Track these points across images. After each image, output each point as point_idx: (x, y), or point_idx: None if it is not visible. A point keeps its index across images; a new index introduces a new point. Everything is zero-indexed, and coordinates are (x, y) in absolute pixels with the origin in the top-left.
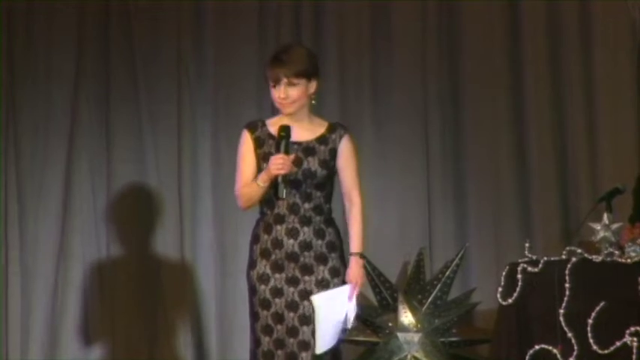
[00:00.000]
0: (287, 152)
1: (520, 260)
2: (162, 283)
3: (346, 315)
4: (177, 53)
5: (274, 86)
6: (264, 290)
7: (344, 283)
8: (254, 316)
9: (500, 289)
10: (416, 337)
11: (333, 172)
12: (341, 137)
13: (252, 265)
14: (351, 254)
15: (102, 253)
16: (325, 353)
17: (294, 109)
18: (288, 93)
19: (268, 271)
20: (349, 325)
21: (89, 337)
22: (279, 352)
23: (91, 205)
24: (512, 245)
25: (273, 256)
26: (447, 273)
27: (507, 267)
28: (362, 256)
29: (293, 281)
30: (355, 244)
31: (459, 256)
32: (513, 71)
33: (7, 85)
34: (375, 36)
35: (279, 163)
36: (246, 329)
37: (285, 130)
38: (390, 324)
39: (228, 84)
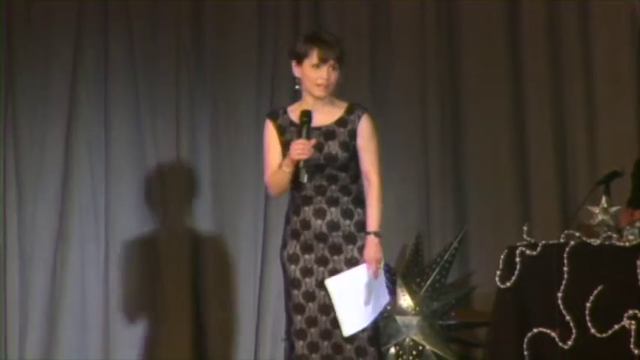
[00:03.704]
0: (308, 137)
1: (518, 244)
2: (160, 264)
3: (376, 294)
4: (177, 38)
5: (317, 66)
6: (294, 270)
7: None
8: (287, 296)
9: (498, 273)
10: (414, 321)
11: (355, 152)
12: (359, 117)
13: (283, 245)
14: (366, 233)
15: (100, 237)
16: (364, 330)
17: (328, 92)
18: (330, 76)
19: (298, 251)
20: (383, 305)
21: (88, 321)
22: (312, 329)
23: (90, 189)
24: (510, 228)
25: (302, 237)
26: (446, 256)
27: (506, 250)
28: (378, 234)
29: (323, 261)
30: (371, 223)
31: (458, 239)
32: (513, 57)
33: (5, 69)
34: (374, 24)
35: (300, 149)
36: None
37: (307, 115)
38: (388, 307)
39: (226, 67)
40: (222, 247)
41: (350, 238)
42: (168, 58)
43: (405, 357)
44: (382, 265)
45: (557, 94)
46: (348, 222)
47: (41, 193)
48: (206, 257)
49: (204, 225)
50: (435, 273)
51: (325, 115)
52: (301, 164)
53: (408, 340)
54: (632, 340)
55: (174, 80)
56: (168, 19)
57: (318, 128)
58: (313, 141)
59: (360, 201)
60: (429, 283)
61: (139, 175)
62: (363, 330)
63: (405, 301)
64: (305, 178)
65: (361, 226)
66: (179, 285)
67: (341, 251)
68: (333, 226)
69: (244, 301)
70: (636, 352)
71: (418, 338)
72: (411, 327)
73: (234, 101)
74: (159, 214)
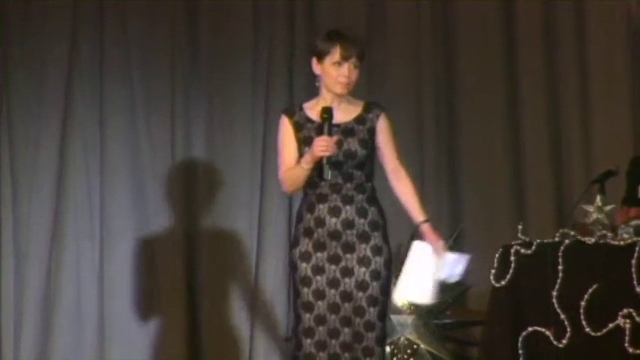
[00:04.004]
0: (330, 134)
1: (513, 242)
2: (155, 261)
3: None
4: (172, 36)
5: (339, 63)
6: (305, 268)
7: (386, 261)
8: (295, 294)
9: (493, 271)
10: (409, 319)
11: (373, 150)
12: (378, 116)
13: (295, 243)
14: (421, 223)
15: (95, 234)
16: (374, 329)
17: (348, 90)
18: (351, 73)
19: (310, 249)
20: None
21: (83, 318)
22: (320, 328)
23: (85, 187)
24: (505, 227)
25: (315, 235)
26: None
27: (500, 249)
28: (428, 221)
29: (334, 259)
30: (417, 213)
31: (453, 238)
32: (508, 55)
33: (0, 68)
34: (370, 24)
35: (323, 145)
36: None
37: (328, 111)
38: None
39: (221, 64)
40: (218, 245)
41: (364, 237)
42: (163, 57)
43: (399, 356)
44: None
45: (553, 94)
46: (362, 220)
47: (36, 191)
48: (201, 255)
49: (199, 222)
50: None
51: (343, 113)
52: (324, 160)
53: (402, 339)
54: (626, 338)
55: (169, 78)
56: (163, 18)
57: (337, 125)
58: (335, 137)
59: (374, 200)
60: None
61: (134, 173)
62: (373, 329)
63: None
64: (329, 175)
65: (374, 225)
66: (174, 282)
67: (354, 250)
68: (348, 224)
69: (239, 299)
70: (631, 350)
71: (413, 337)
72: (405, 326)
73: (229, 99)
74: (154, 212)
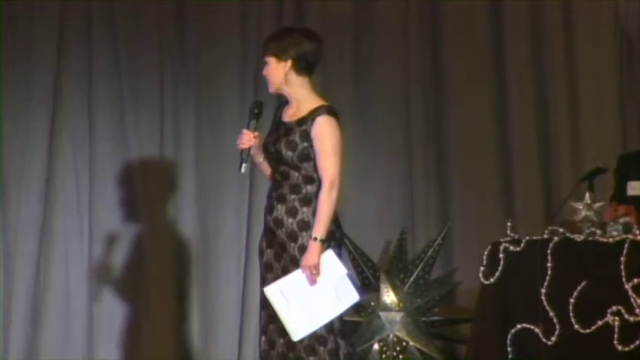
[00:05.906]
0: (255, 128)
1: (502, 240)
2: (144, 260)
3: (335, 294)
4: (159, 32)
5: None
6: (260, 264)
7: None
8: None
9: (482, 269)
10: (398, 317)
11: (306, 154)
12: (313, 120)
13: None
14: (312, 239)
15: (84, 233)
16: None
17: (271, 87)
18: (265, 71)
19: (264, 246)
20: (347, 304)
21: (71, 317)
22: (272, 326)
23: (74, 185)
24: (494, 225)
25: (266, 232)
26: (430, 252)
27: (489, 246)
28: (320, 240)
29: (277, 257)
30: (314, 227)
31: (441, 235)
32: (496, 53)
33: None
34: (358, 24)
35: (240, 138)
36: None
37: (257, 105)
38: (372, 303)
39: (210, 62)
40: (206, 243)
41: (292, 237)
42: (151, 55)
43: (388, 353)
44: (335, 270)
45: (541, 91)
46: (291, 220)
47: (25, 190)
48: (190, 253)
49: (187, 221)
50: (418, 269)
51: (295, 112)
52: (243, 154)
53: (391, 336)
54: (615, 336)
55: (157, 77)
56: (151, 17)
57: (284, 123)
58: (256, 133)
59: (308, 201)
60: (412, 279)
61: (123, 172)
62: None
63: (389, 297)
64: (243, 168)
65: (304, 225)
66: (163, 281)
67: (286, 249)
68: (278, 223)
69: (228, 297)
70: (620, 348)
71: (402, 334)
72: (394, 323)
73: (218, 98)
74: (142, 211)
